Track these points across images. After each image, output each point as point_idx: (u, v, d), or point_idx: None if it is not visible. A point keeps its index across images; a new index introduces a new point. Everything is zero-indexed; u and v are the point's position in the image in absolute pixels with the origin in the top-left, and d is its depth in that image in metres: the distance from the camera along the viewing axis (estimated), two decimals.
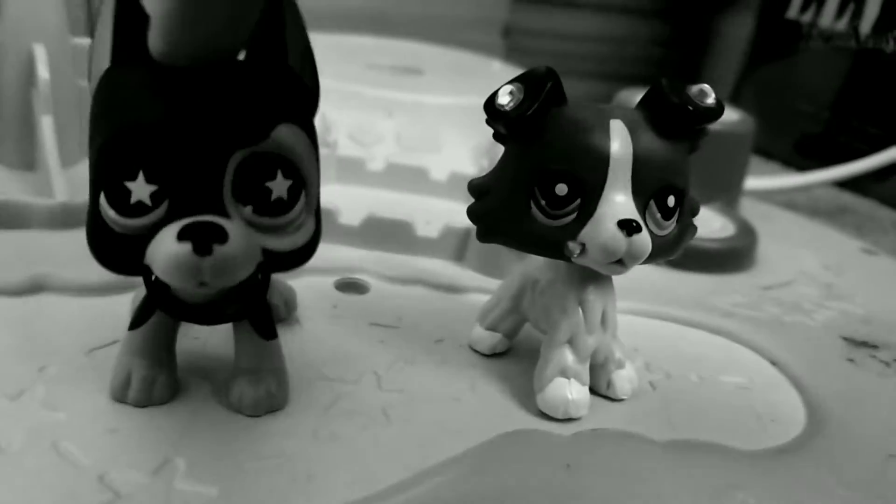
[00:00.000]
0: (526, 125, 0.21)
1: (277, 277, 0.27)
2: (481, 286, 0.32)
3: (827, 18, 0.65)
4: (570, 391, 0.24)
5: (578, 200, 0.21)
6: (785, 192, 0.54)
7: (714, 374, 0.28)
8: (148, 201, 0.18)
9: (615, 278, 0.24)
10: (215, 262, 0.17)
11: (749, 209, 0.46)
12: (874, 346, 0.32)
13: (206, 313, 0.21)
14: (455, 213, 0.36)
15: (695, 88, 0.22)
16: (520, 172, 0.22)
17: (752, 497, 0.22)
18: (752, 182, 0.49)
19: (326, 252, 0.33)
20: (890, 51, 0.60)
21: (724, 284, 0.36)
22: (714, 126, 0.22)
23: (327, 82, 0.43)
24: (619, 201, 0.21)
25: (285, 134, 0.18)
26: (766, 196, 0.52)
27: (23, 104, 0.34)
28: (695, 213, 0.23)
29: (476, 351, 0.27)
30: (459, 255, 0.34)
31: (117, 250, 0.18)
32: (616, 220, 0.20)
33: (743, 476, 0.23)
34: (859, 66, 0.62)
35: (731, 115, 0.44)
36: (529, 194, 0.21)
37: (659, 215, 0.21)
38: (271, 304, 0.26)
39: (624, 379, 0.25)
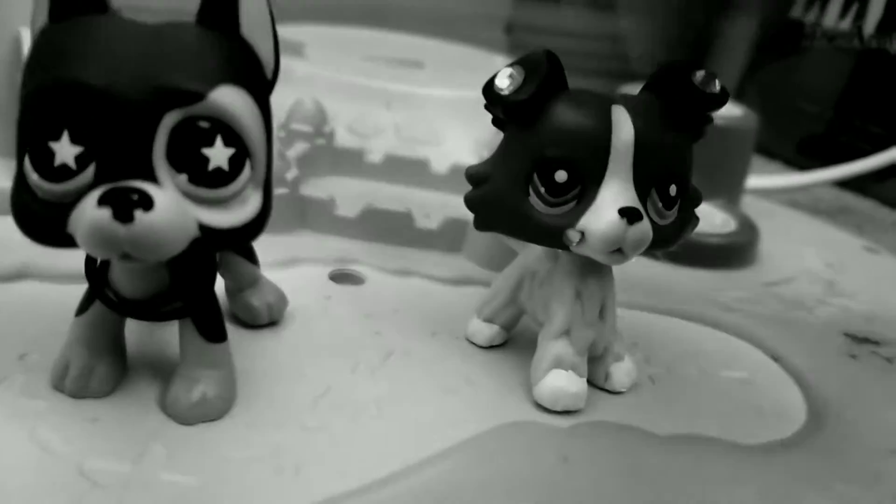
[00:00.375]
0: (525, 110, 0.21)
1: (266, 279, 0.26)
2: (480, 279, 0.31)
3: (831, 18, 0.64)
4: (567, 383, 0.23)
5: (578, 188, 0.20)
6: (786, 192, 0.54)
7: (715, 369, 0.28)
8: (72, 164, 0.16)
9: (616, 271, 0.24)
10: (137, 231, 0.16)
11: (751, 206, 0.45)
12: (876, 343, 0.32)
13: (143, 308, 0.20)
14: (455, 205, 0.35)
15: (699, 74, 0.21)
16: (518, 159, 0.21)
17: (753, 492, 0.21)
18: (754, 180, 0.48)
19: (321, 242, 0.32)
20: (894, 51, 0.59)
21: (726, 280, 0.36)
22: (718, 121, 0.22)
23: (324, 73, 0.43)
24: (620, 189, 0.20)
25: (227, 97, 0.17)
26: (767, 195, 0.52)
27: (10, 89, 0.34)
28: (696, 203, 0.23)
29: (473, 343, 0.27)
30: (458, 248, 0.33)
31: (41, 218, 0.17)
32: (617, 208, 0.20)
33: (743, 470, 0.22)
34: (863, 66, 0.62)
35: (734, 110, 0.43)
36: (528, 181, 0.21)
37: (661, 204, 0.21)
38: (252, 306, 0.25)
39: (622, 372, 0.25)
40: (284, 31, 0.49)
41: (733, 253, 0.37)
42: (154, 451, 0.19)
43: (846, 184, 0.58)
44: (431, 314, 0.28)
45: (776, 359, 0.29)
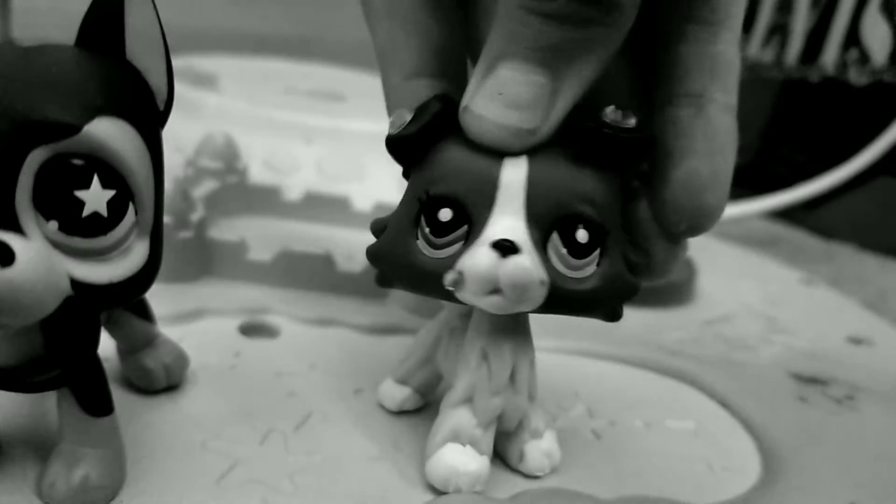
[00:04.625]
0: (408, 147, 0.19)
1: (164, 337, 0.23)
2: (410, 327, 0.29)
3: (754, 48, 0.65)
4: (462, 461, 0.20)
5: (465, 227, 0.18)
6: (718, 224, 0.53)
7: (661, 419, 0.26)
8: None
9: (545, 319, 0.21)
10: None
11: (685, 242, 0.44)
12: (823, 383, 0.30)
13: (13, 378, 0.17)
14: None
15: (609, 109, 0.18)
16: (408, 202, 0.19)
17: None
18: None
19: (230, 291, 0.29)
20: (815, 81, 0.60)
21: (665, 320, 0.34)
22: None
23: (238, 106, 0.40)
24: (507, 226, 0.18)
25: (106, 131, 0.15)
26: None
27: None
28: (634, 268, 0.19)
29: (383, 408, 0.24)
30: (385, 293, 0.31)
31: None
32: (491, 242, 0.18)
33: None
34: (786, 96, 0.62)
35: None
36: (416, 223, 0.19)
37: (565, 251, 0.18)
38: (147, 368, 0.22)
39: (539, 452, 0.21)
40: (197, 62, 0.46)
41: (671, 291, 0.36)
42: None
43: (777, 214, 0.57)
44: (354, 369, 0.26)
45: (724, 405, 0.27)
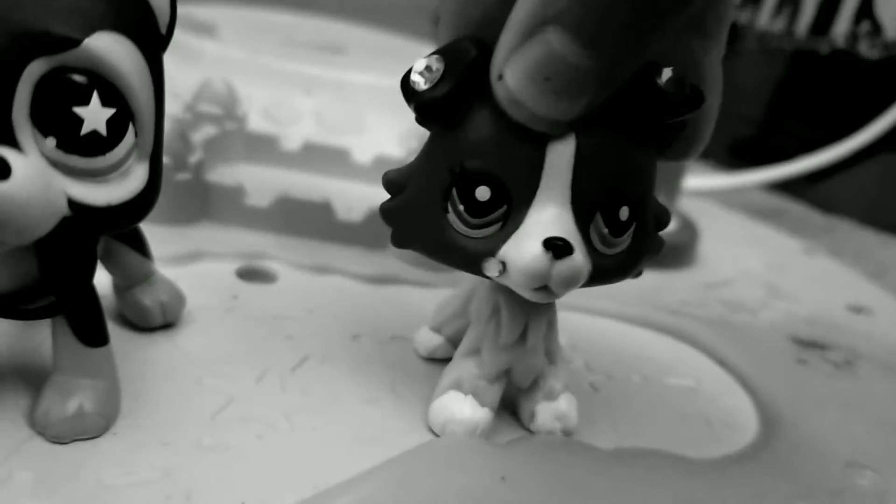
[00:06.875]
0: (442, 109, 0.17)
1: (161, 275, 0.23)
2: (408, 278, 0.29)
3: (764, 18, 0.64)
4: (459, 409, 0.20)
5: (504, 208, 0.17)
6: (720, 194, 0.53)
7: (659, 376, 0.26)
8: None
9: None
10: None
11: (688, 206, 0.44)
12: (823, 347, 0.30)
13: (7, 304, 0.17)
14: (380, 197, 0.32)
15: (666, 73, 0.16)
16: (437, 168, 0.17)
17: None
18: (689, 181, 0.47)
19: (228, 235, 0.29)
20: (825, 52, 0.59)
21: (667, 281, 0.34)
22: None
23: (238, 54, 0.39)
24: (551, 213, 0.17)
25: (108, 46, 0.14)
26: (701, 196, 0.51)
27: None
28: (661, 225, 0.19)
29: (417, 352, 0.24)
30: (383, 244, 0.31)
31: None
32: (542, 238, 0.16)
33: (697, 488, 0.20)
34: (794, 68, 0.62)
35: None
36: (446, 196, 0.17)
37: (606, 231, 0.17)
38: (143, 305, 0.22)
39: (551, 414, 0.21)
40: (196, 11, 0.45)
41: (673, 253, 0.36)
42: (18, 474, 0.16)
43: (779, 186, 0.57)
44: (352, 316, 0.25)
45: (723, 364, 0.27)
